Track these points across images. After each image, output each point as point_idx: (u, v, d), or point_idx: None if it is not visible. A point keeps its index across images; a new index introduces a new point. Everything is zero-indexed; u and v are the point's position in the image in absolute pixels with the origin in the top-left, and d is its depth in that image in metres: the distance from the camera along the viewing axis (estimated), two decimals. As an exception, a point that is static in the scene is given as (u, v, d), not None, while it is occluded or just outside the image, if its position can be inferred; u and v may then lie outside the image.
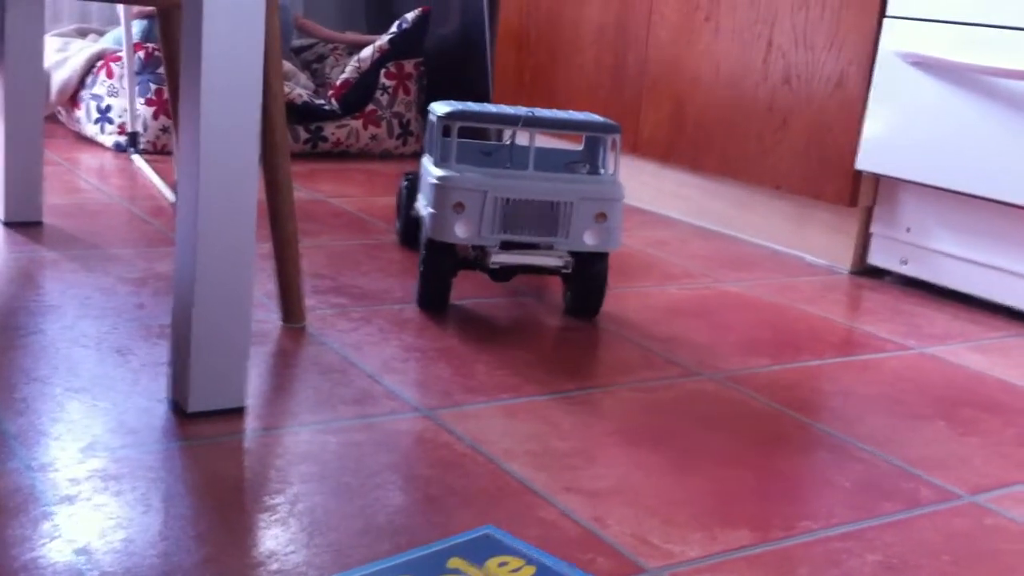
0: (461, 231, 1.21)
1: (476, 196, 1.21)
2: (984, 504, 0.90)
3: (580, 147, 1.54)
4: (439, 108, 1.27)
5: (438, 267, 1.24)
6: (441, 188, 1.21)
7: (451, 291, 1.29)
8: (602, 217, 1.24)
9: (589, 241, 1.24)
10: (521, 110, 1.29)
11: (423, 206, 1.28)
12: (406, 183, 1.51)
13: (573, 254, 1.26)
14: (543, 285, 1.45)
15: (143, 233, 1.51)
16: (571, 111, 1.31)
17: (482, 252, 1.24)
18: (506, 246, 1.23)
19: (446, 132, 1.36)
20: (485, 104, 1.30)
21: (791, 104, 1.71)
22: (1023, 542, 0.83)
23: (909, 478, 0.93)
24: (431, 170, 1.24)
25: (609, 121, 1.28)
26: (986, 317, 1.50)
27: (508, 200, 1.21)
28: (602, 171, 1.32)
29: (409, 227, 1.55)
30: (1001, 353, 1.33)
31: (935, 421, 1.08)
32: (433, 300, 1.26)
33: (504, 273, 1.28)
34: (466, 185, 1.20)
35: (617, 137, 1.27)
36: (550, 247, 1.24)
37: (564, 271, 1.24)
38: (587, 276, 1.27)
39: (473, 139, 1.31)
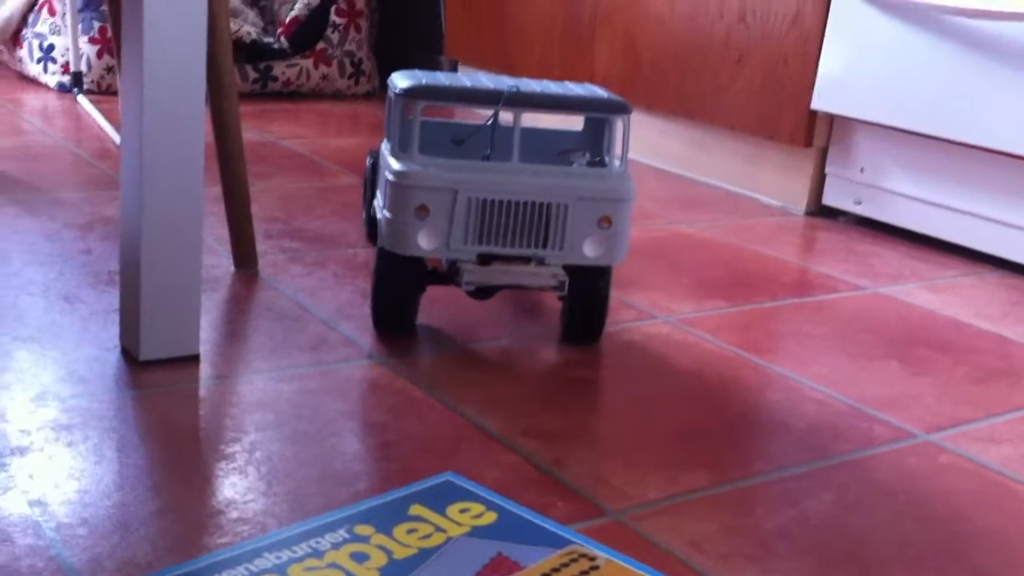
0: (425, 242, 0.95)
1: (444, 197, 0.95)
2: (938, 442, 0.91)
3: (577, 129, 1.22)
4: (399, 81, 1.00)
5: (395, 285, 1.00)
6: (398, 188, 0.95)
7: (416, 308, 1.03)
8: (606, 222, 0.97)
9: (590, 252, 0.98)
10: (504, 82, 1.02)
11: (379, 207, 1.02)
12: (371, 162, 1.23)
13: (569, 268, 1.01)
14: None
15: (89, 176, 1.48)
16: (568, 83, 1.05)
17: (454, 266, 0.98)
18: (484, 260, 0.97)
19: (407, 113, 1.00)
20: (455, 75, 1.03)
21: (747, 42, 1.70)
22: (977, 480, 0.85)
23: (863, 418, 0.94)
24: (388, 162, 0.98)
25: (615, 97, 1.00)
26: (939, 256, 1.51)
27: (485, 202, 0.95)
28: (607, 162, 1.04)
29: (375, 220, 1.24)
30: (954, 292, 1.34)
31: (889, 361, 1.09)
32: (390, 323, 1.02)
33: (483, 291, 1.03)
34: (431, 183, 0.94)
35: (627, 118, 0.99)
36: (540, 261, 0.98)
37: (557, 291, 0.98)
38: (585, 295, 1.02)
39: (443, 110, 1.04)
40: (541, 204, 0.96)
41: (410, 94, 0.96)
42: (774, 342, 1.10)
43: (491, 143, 1.10)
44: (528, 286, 0.97)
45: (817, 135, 1.66)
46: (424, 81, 0.98)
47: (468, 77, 1.02)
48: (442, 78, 1.01)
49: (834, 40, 1.58)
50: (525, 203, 0.96)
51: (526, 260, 0.97)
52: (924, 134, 1.49)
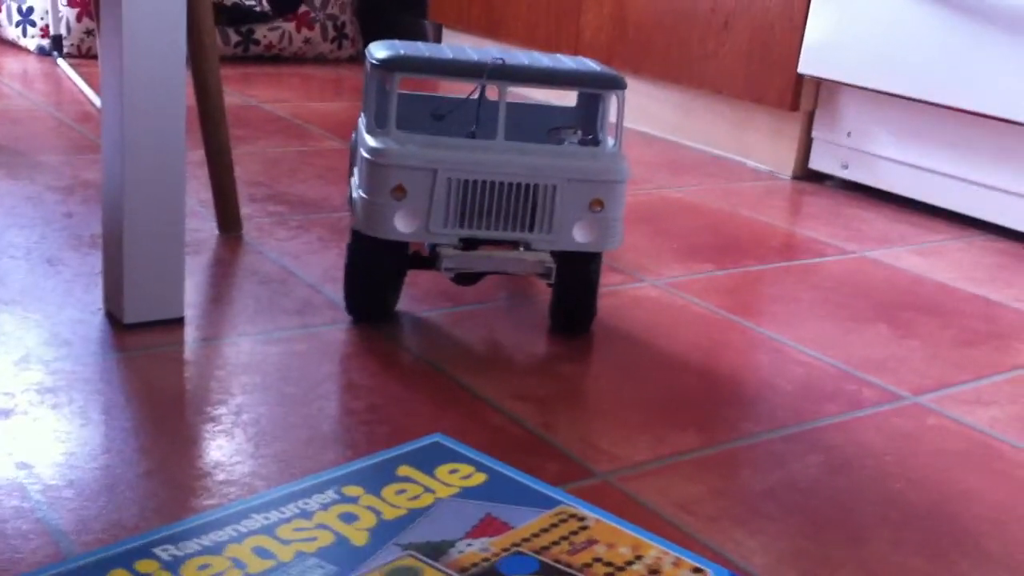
0: (402, 224, 0.89)
1: (422, 177, 0.88)
2: (926, 404, 0.91)
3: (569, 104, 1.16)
4: (377, 51, 0.92)
5: (370, 271, 0.93)
6: (374, 166, 0.88)
7: (398, 294, 0.98)
8: (598, 205, 0.91)
9: (580, 238, 0.92)
10: (489, 54, 0.94)
11: (354, 185, 0.95)
12: (356, 136, 1.10)
13: (558, 254, 0.95)
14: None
15: (70, 140, 1.46)
16: (559, 55, 0.98)
17: (435, 250, 0.92)
18: (468, 244, 0.91)
19: (384, 85, 0.94)
20: (438, 46, 0.96)
21: (734, 5, 1.69)
22: (964, 441, 0.85)
23: (851, 380, 0.94)
24: (364, 138, 0.91)
25: (609, 71, 0.93)
26: (926, 220, 1.51)
27: (467, 182, 0.89)
28: (601, 140, 0.96)
29: None
30: (940, 256, 1.34)
31: (876, 324, 1.09)
32: (363, 310, 0.96)
33: (466, 277, 0.97)
34: (409, 162, 0.88)
35: (621, 94, 0.92)
36: (527, 246, 0.92)
37: (543, 278, 0.92)
38: (574, 283, 0.96)
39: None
40: (527, 185, 0.90)
41: (387, 65, 0.89)
42: (762, 305, 1.10)
43: (476, 119, 1.01)
44: (512, 273, 0.92)
45: (804, 99, 1.65)
46: (402, 52, 0.91)
47: (451, 47, 0.95)
48: (422, 48, 0.94)
49: (821, 4, 1.57)
50: (510, 184, 0.89)
51: (514, 244, 0.92)
52: (911, 98, 1.49)
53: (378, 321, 0.96)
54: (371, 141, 0.89)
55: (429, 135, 0.91)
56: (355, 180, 0.94)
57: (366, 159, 0.89)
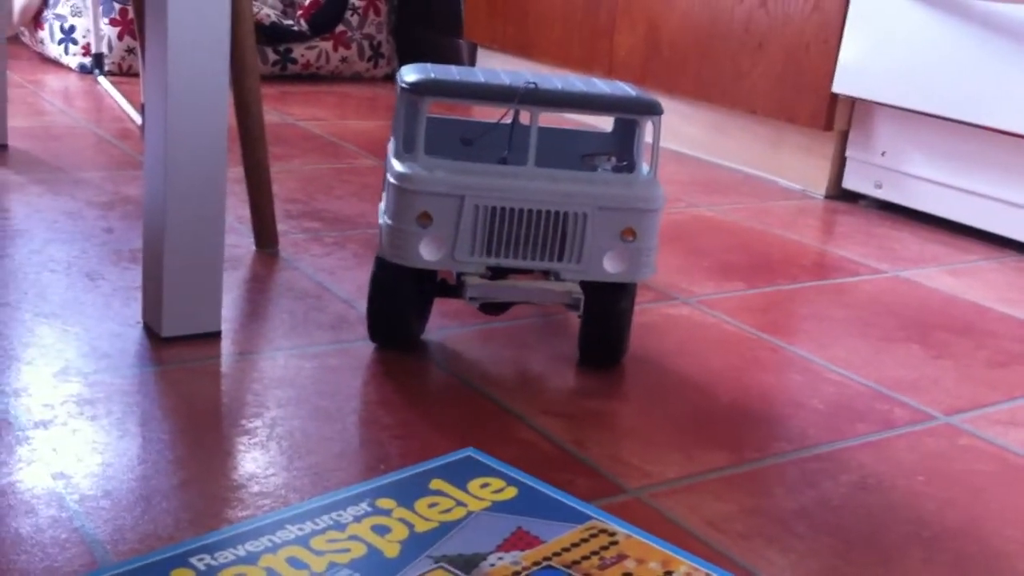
0: (428, 252, 0.87)
1: (449, 204, 0.86)
2: (958, 425, 0.91)
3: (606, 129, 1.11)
4: (407, 74, 0.90)
5: (393, 298, 0.91)
6: (400, 191, 0.86)
7: (424, 320, 0.97)
8: (630, 234, 0.88)
9: (611, 268, 0.89)
10: (522, 77, 0.91)
11: (381, 210, 0.92)
12: None
13: (588, 285, 0.92)
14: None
15: (110, 156, 1.48)
16: (594, 79, 0.95)
17: (461, 278, 0.89)
18: (494, 272, 0.88)
19: (414, 109, 0.93)
20: (470, 70, 0.93)
21: (767, 26, 1.69)
22: (996, 462, 0.84)
23: (883, 399, 0.94)
24: (391, 163, 0.89)
25: (645, 96, 0.90)
26: (959, 240, 1.51)
27: (494, 209, 0.86)
28: (635, 167, 0.91)
29: None
30: (974, 276, 1.34)
31: (908, 344, 1.08)
32: (385, 337, 0.94)
33: (494, 306, 0.96)
34: (435, 188, 0.85)
35: (657, 120, 0.89)
36: (556, 275, 0.89)
37: (571, 309, 0.88)
38: (604, 315, 0.92)
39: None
40: (556, 213, 0.87)
41: (417, 89, 0.86)
42: (794, 324, 1.10)
43: (508, 144, 0.99)
44: (539, 303, 0.88)
45: (838, 119, 1.65)
46: (432, 75, 0.88)
47: (484, 71, 0.94)
48: (454, 72, 0.91)
49: (855, 24, 1.57)
50: (539, 212, 0.86)
51: (545, 273, 0.89)
52: (945, 117, 1.48)
53: (403, 348, 0.95)
54: (398, 166, 0.87)
55: (458, 160, 0.89)
56: (382, 205, 0.92)
57: (392, 184, 0.87)
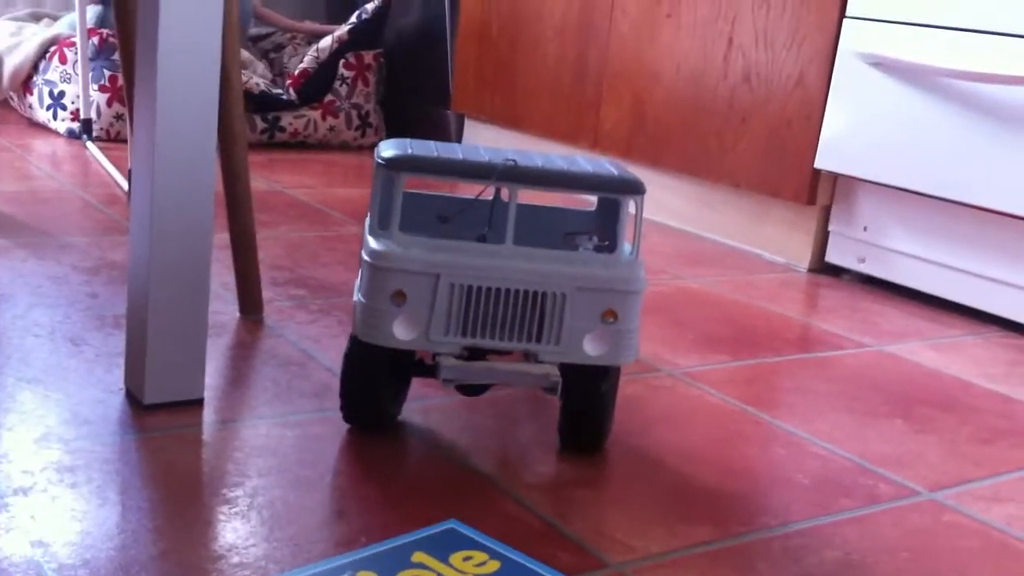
0: (402, 331, 0.84)
1: (424, 282, 0.83)
2: (942, 501, 0.90)
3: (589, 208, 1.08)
4: (384, 149, 0.88)
5: (367, 378, 0.88)
6: (375, 269, 0.83)
7: (401, 402, 0.94)
8: (611, 316, 0.85)
9: (591, 350, 0.85)
10: (501, 154, 0.89)
11: (356, 287, 0.89)
12: None
13: (568, 367, 0.89)
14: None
15: (96, 221, 1.48)
16: (577, 157, 0.93)
17: (436, 358, 0.86)
18: (472, 353, 0.85)
19: (390, 185, 0.91)
20: (451, 146, 0.91)
21: (751, 102, 1.72)
22: (980, 538, 0.84)
23: (867, 475, 0.94)
24: (366, 240, 0.87)
25: (628, 175, 0.87)
26: (942, 315, 1.51)
27: (471, 288, 0.83)
28: (617, 246, 0.90)
29: None
30: (957, 351, 1.34)
31: (892, 419, 1.08)
32: (359, 418, 0.91)
33: (472, 387, 0.92)
34: (410, 266, 0.83)
35: (640, 199, 0.87)
36: (534, 357, 0.86)
37: (549, 393, 0.85)
38: (584, 399, 0.89)
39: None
40: (534, 293, 0.84)
41: (393, 165, 0.84)
42: (778, 397, 1.10)
43: (489, 222, 0.96)
44: (516, 386, 0.83)
45: (820, 194, 1.67)
46: (410, 150, 0.86)
47: (464, 147, 0.91)
48: (433, 148, 0.89)
49: (838, 100, 1.60)
50: (516, 291, 0.84)
51: (526, 354, 0.86)
52: (927, 194, 1.50)
53: (377, 429, 0.92)
54: (372, 243, 0.85)
55: (435, 238, 0.86)
56: (357, 282, 0.89)
57: (366, 261, 0.85)
